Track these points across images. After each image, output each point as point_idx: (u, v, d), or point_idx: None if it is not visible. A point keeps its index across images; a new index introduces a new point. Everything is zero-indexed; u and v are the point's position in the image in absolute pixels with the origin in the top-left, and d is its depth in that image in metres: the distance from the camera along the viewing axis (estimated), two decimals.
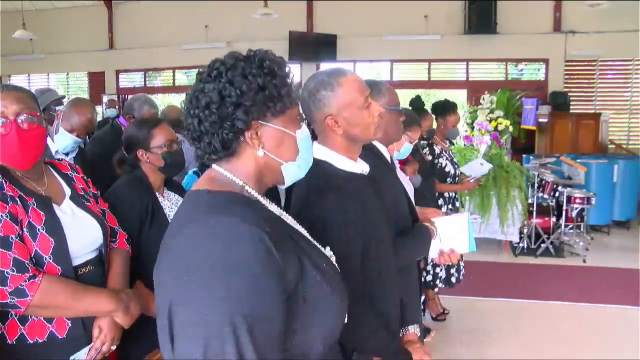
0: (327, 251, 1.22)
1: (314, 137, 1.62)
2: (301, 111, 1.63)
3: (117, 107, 9.19)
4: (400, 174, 2.39)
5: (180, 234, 0.98)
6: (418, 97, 5.94)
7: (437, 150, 4.27)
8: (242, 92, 1.04)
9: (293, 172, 1.17)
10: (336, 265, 1.21)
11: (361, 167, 1.64)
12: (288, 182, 1.18)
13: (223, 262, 0.90)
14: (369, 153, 1.75)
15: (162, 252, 1.01)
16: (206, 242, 0.93)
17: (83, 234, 1.70)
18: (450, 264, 2.20)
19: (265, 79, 1.06)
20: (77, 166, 1.93)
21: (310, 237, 1.21)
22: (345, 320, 1.20)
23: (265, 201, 1.13)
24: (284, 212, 1.23)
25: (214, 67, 1.07)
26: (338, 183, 1.54)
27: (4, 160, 1.62)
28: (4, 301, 1.48)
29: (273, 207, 1.14)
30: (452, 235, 2.09)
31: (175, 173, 2.37)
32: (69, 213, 1.70)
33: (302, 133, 1.15)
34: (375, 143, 2.05)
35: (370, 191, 1.64)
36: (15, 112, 1.60)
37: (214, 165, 1.13)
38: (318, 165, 1.60)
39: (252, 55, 1.09)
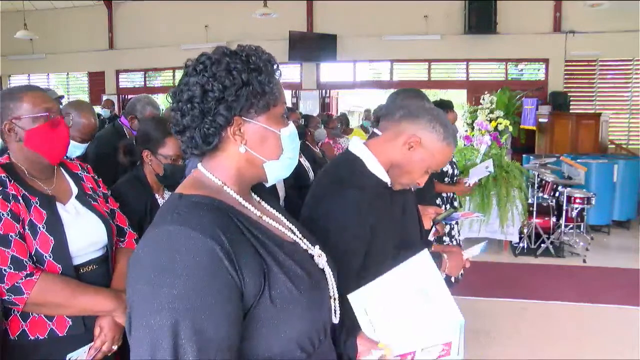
0: (316, 250, 1.19)
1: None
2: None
3: (111, 107, 9.15)
4: None
5: (142, 240, 1.00)
6: None
7: None
8: (225, 87, 1.03)
9: (276, 171, 1.14)
10: (325, 263, 1.19)
11: (388, 179, 1.67)
12: (271, 181, 1.17)
13: (167, 270, 0.91)
14: None
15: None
16: (154, 250, 0.95)
17: (85, 233, 1.70)
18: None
19: (250, 75, 1.05)
20: (88, 166, 1.94)
21: (298, 236, 1.19)
22: (336, 320, 1.19)
23: (245, 202, 1.11)
24: (274, 210, 1.21)
25: (200, 61, 1.07)
26: (362, 181, 1.57)
27: (44, 151, 1.67)
28: (1, 298, 1.49)
29: (253, 210, 1.11)
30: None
31: (170, 185, 2.34)
32: (72, 212, 1.71)
33: (287, 131, 1.13)
34: None
35: (389, 198, 1.67)
36: (58, 112, 1.69)
37: (198, 165, 1.14)
38: (350, 160, 1.65)
39: (240, 50, 1.09)
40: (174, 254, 0.92)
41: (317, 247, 1.21)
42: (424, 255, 1.22)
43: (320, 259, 1.19)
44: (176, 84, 1.11)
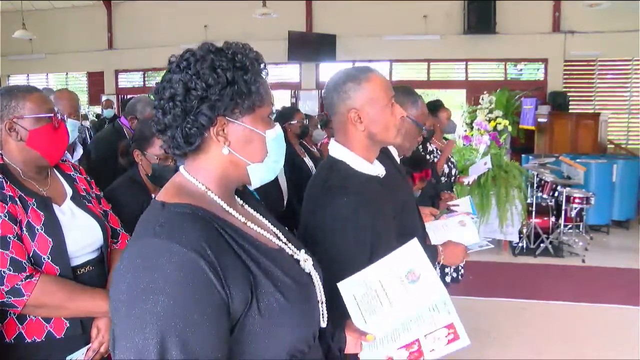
0: (302, 254, 1.16)
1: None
2: (325, 103, 1.64)
3: (113, 107, 9.16)
4: None
5: (123, 254, 0.96)
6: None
7: (429, 148, 4.29)
8: (209, 85, 0.99)
9: (261, 174, 1.10)
10: (311, 268, 1.16)
11: (377, 170, 1.64)
12: (255, 184, 1.12)
13: (151, 286, 0.87)
14: (381, 154, 1.75)
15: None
16: (137, 265, 0.90)
17: (82, 234, 1.70)
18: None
19: (236, 74, 1.01)
20: (80, 167, 1.94)
21: (283, 240, 1.16)
22: (324, 324, 1.18)
23: (229, 208, 1.07)
24: (257, 214, 1.18)
25: (184, 58, 1.03)
26: (354, 185, 1.54)
27: (45, 152, 1.68)
28: (0, 300, 1.49)
29: (237, 215, 1.08)
30: (459, 237, 2.12)
31: (160, 186, 2.32)
32: (68, 213, 1.70)
33: (273, 133, 1.09)
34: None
35: (383, 193, 1.63)
36: (61, 111, 1.72)
37: (180, 169, 1.10)
38: (335, 165, 1.61)
39: (226, 47, 1.04)
40: (157, 269, 0.88)
41: (303, 251, 1.18)
42: (414, 243, 1.23)
43: (307, 263, 1.16)
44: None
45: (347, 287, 1.25)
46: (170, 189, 1.07)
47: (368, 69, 1.61)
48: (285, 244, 1.16)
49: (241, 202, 1.18)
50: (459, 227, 2.20)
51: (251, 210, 1.18)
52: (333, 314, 1.23)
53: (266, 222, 1.18)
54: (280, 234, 1.17)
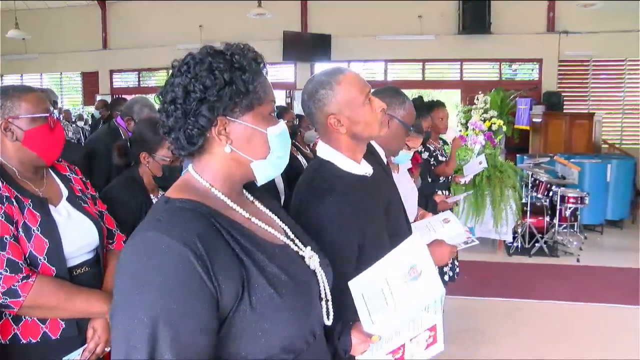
0: (307, 251, 1.18)
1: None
2: (304, 113, 1.64)
3: (102, 108, 9.08)
4: (406, 177, 2.37)
5: (125, 245, 1.00)
6: (420, 98, 5.89)
7: (431, 148, 4.30)
8: (206, 87, 1.03)
9: (265, 170, 1.13)
10: (317, 265, 1.18)
11: (364, 169, 1.63)
12: (261, 181, 1.15)
13: (143, 277, 0.92)
14: (367, 153, 1.74)
15: None
16: (132, 256, 0.95)
17: (78, 235, 1.69)
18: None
19: (234, 74, 1.04)
20: (76, 167, 1.93)
21: (290, 236, 1.18)
22: (329, 322, 1.19)
23: (232, 204, 1.10)
24: (267, 210, 1.20)
25: (185, 62, 1.07)
26: (340, 186, 1.53)
27: (42, 152, 1.67)
28: None
29: (241, 211, 1.10)
30: (445, 235, 2.11)
31: (167, 187, 2.33)
32: (64, 214, 1.70)
33: (276, 130, 1.11)
34: (374, 144, 2.02)
35: (371, 193, 1.63)
36: (53, 111, 1.70)
37: (188, 167, 1.13)
38: (321, 166, 1.60)
39: (226, 49, 1.08)
40: (150, 260, 0.92)
41: (309, 248, 1.19)
42: (415, 238, 1.24)
43: (312, 260, 1.17)
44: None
45: (356, 286, 1.26)
46: (177, 185, 1.12)
47: (338, 70, 1.57)
48: (292, 240, 1.18)
49: (251, 198, 1.20)
50: (444, 224, 2.19)
51: (261, 207, 1.20)
52: (340, 314, 1.24)
53: (275, 218, 1.20)
54: (288, 230, 1.19)
